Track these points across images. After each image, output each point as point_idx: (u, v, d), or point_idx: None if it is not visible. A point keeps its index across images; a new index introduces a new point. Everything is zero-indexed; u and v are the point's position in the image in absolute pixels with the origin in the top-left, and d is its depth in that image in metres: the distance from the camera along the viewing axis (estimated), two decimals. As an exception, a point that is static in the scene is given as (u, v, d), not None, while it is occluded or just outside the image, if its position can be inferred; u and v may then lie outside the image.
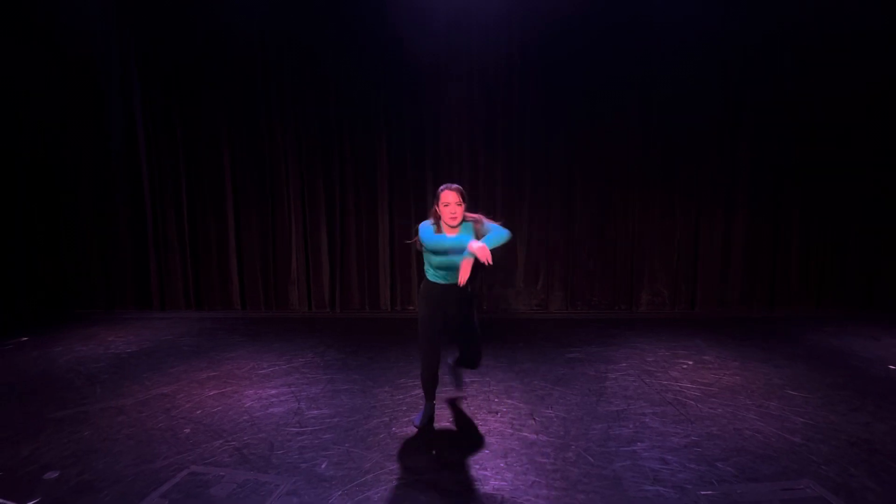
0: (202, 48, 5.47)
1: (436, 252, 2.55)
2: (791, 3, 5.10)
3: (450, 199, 2.55)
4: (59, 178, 5.71)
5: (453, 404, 3.07)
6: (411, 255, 5.62)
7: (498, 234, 2.52)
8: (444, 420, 2.85)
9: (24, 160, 5.60)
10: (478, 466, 2.36)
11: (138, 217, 5.73)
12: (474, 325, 2.77)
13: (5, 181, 5.50)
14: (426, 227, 2.61)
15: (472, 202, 5.49)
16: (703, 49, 5.22)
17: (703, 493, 2.11)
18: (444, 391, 3.26)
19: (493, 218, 2.73)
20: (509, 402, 3.11)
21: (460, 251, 2.43)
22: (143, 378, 3.59)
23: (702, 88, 5.28)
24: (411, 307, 5.66)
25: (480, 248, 2.31)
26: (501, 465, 2.37)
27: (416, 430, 2.73)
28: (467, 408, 3.01)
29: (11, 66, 5.46)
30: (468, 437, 2.65)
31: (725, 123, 5.33)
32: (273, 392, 3.29)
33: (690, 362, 3.81)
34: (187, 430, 2.75)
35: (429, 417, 2.81)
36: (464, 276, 2.40)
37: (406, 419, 2.86)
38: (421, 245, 2.61)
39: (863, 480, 2.19)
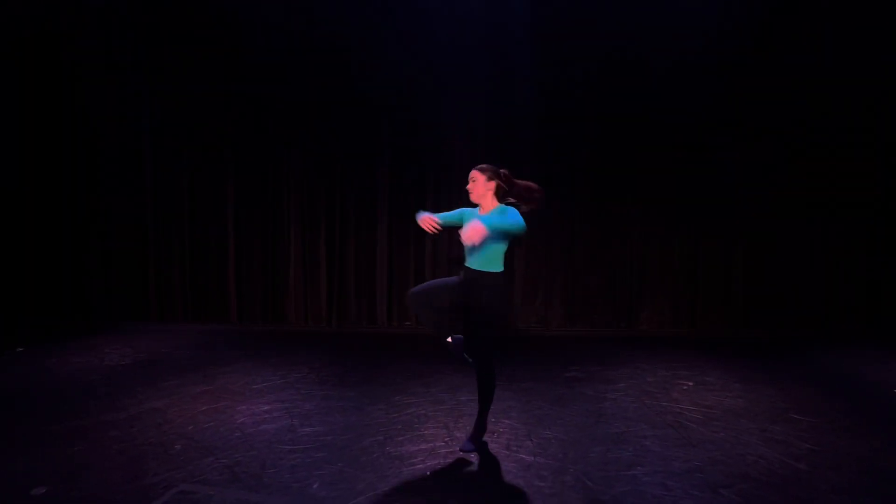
0: (212, 64, 5.54)
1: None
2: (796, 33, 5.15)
3: (470, 176, 2.65)
4: (58, 187, 5.75)
5: (446, 424, 3.01)
6: (409, 270, 5.60)
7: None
8: (439, 440, 2.79)
9: (23, 169, 5.64)
10: (473, 489, 2.30)
11: (139, 229, 5.75)
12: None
13: (4, 190, 5.53)
14: (471, 211, 2.71)
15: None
16: (703, 70, 5.26)
17: (705, 521, 2.05)
18: (435, 406, 3.21)
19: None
20: (507, 422, 3.05)
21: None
22: (137, 391, 3.54)
23: (701, 110, 5.31)
24: (408, 322, 5.63)
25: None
26: (498, 488, 2.31)
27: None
28: (464, 428, 2.96)
29: (18, 78, 5.54)
30: (464, 459, 2.58)
31: (725, 144, 5.33)
32: (266, 408, 3.24)
33: (691, 383, 3.75)
34: (178, 447, 2.70)
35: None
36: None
37: (401, 438, 2.81)
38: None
39: (871, 511, 2.12)
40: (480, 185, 2.61)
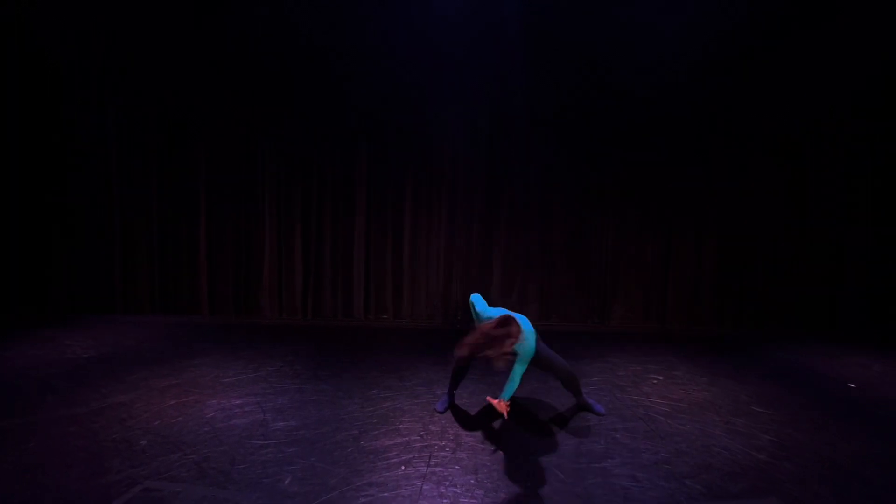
0: (184, 49, 5.34)
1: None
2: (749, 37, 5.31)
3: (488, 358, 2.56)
4: (18, 172, 5.45)
5: (421, 419, 3.01)
6: (386, 263, 5.56)
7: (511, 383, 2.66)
8: (414, 434, 2.79)
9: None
10: (447, 483, 2.30)
11: (104, 215, 5.51)
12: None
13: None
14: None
15: (451, 211, 5.50)
16: (676, 76, 5.38)
17: (671, 511, 2.11)
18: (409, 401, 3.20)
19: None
20: (481, 416, 3.07)
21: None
22: (100, 385, 3.40)
23: (675, 114, 5.43)
24: (385, 316, 5.59)
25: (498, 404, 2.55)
26: (472, 481, 2.32)
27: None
28: (439, 422, 2.96)
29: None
30: (438, 453, 2.59)
31: (698, 150, 5.47)
32: (238, 402, 3.17)
33: (661, 377, 3.85)
34: (143, 443, 2.61)
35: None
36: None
37: (376, 432, 2.79)
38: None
39: (827, 499, 2.22)
40: (499, 360, 2.55)
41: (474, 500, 2.17)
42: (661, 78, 5.37)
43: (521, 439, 2.76)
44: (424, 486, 2.26)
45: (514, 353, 2.58)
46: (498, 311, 2.75)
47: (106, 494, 2.15)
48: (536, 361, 2.80)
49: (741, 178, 5.49)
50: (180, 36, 5.33)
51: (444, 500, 2.16)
